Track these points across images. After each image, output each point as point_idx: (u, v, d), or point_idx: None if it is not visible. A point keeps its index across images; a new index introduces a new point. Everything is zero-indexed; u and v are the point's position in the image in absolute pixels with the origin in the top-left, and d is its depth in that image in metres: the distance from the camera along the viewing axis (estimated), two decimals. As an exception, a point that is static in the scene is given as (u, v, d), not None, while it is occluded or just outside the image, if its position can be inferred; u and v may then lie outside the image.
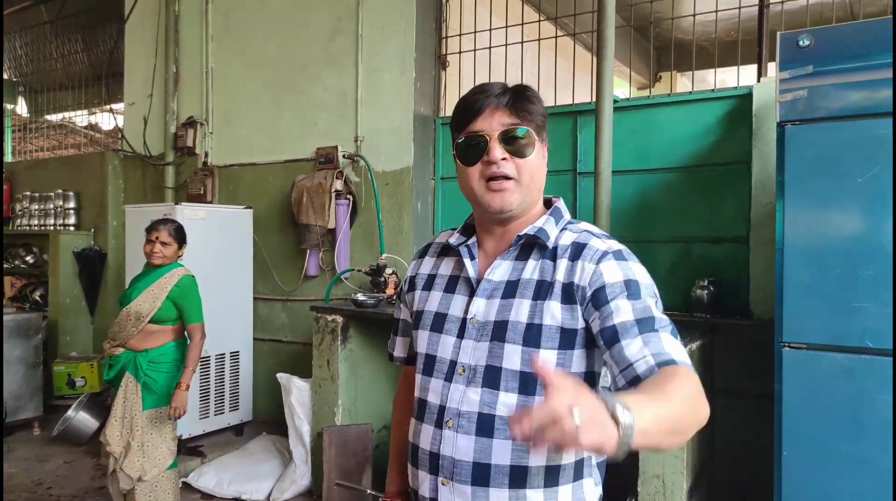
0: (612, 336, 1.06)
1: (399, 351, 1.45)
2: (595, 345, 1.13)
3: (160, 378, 3.01)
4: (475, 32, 4.08)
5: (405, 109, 4.06)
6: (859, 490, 2.19)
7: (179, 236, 3.12)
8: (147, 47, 5.29)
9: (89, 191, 5.62)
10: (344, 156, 4.22)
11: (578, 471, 1.16)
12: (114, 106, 6.15)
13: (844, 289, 2.23)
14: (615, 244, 1.18)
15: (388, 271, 3.85)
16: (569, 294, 1.14)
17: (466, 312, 1.20)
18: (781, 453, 2.32)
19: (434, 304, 1.27)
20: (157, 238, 3.04)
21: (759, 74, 3.29)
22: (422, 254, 1.40)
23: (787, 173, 2.34)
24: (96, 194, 5.55)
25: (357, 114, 4.22)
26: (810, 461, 2.28)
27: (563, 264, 1.16)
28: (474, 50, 4.07)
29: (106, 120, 6.94)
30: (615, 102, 3.37)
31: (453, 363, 1.18)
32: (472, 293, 1.21)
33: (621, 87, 6.88)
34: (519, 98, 1.18)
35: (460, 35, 4.16)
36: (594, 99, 3.34)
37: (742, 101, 3.27)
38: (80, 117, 7.04)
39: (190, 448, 4.01)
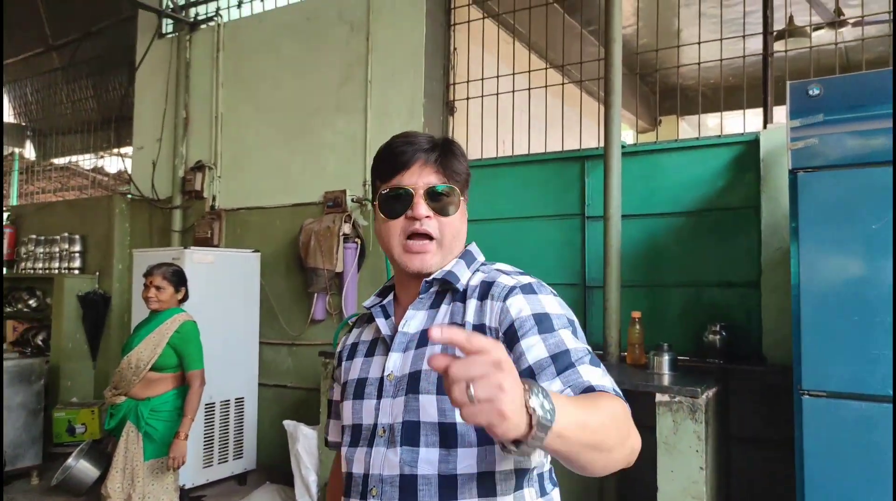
0: (529, 378, 0.96)
1: (334, 436, 1.31)
2: None
3: (161, 427, 2.96)
4: (483, 79, 4.15)
5: (413, 154, 4.09)
6: (886, 544, 2.13)
7: (176, 279, 3.09)
8: (157, 93, 5.37)
9: (95, 234, 5.62)
10: (352, 199, 4.24)
11: None
12: (122, 150, 6.21)
13: (863, 336, 2.21)
14: (525, 278, 1.12)
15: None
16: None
17: (384, 369, 1.13)
18: (805, 504, 2.26)
19: (356, 371, 1.19)
20: (151, 282, 3.01)
21: (766, 121, 3.33)
22: (349, 330, 1.34)
23: (801, 220, 2.35)
24: (102, 237, 5.56)
25: (366, 158, 4.26)
26: (835, 513, 2.22)
27: (472, 304, 1.11)
28: (482, 96, 4.13)
29: (111, 163, 7.00)
30: (623, 147, 3.40)
31: (375, 427, 1.10)
32: (388, 351, 1.15)
33: (625, 131, 6.98)
34: (447, 155, 1.15)
35: (468, 82, 4.23)
36: (602, 144, 3.38)
37: (749, 146, 3.31)
38: (87, 160, 7.10)
39: (192, 499, 3.91)
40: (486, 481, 1.02)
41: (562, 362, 0.98)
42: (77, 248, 5.65)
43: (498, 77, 4.09)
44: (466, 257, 1.21)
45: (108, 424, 3.04)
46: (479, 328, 1.07)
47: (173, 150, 5.19)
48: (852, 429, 2.22)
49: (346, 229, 4.16)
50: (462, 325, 1.09)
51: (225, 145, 4.97)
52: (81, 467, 4.29)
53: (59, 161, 7.35)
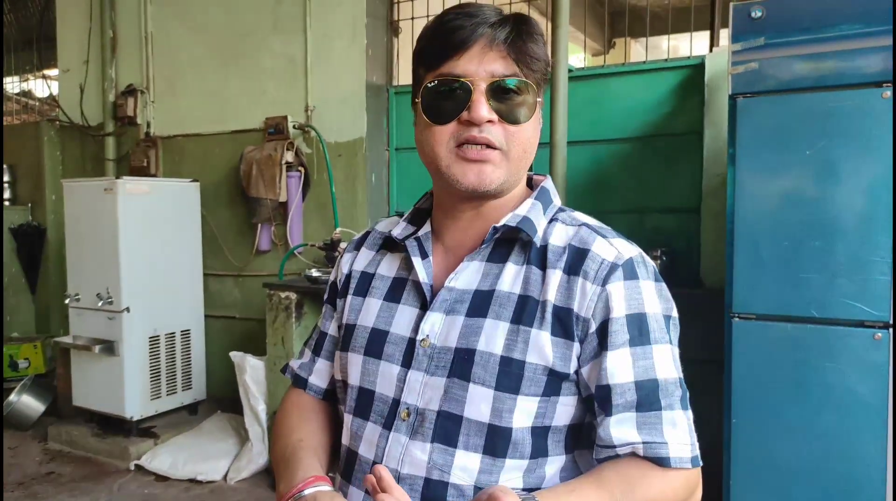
0: (603, 399, 0.84)
1: (318, 379, 1.03)
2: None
3: None
4: (428, -3, 3.96)
5: (357, 78, 3.94)
6: (802, 453, 2.26)
7: None
8: (81, 9, 4.98)
9: (24, 163, 5.33)
10: (294, 126, 4.08)
11: None
12: (48, 72, 5.80)
13: (792, 260, 2.27)
14: (625, 248, 0.89)
15: (343, 245, 3.78)
16: (565, 326, 0.84)
17: (416, 330, 0.88)
18: (731, 420, 2.38)
19: (370, 317, 0.93)
20: None
21: (712, 44, 3.29)
22: (357, 245, 1.05)
23: (739, 145, 2.36)
24: (32, 166, 5.27)
25: (307, 82, 4.08)
26: (758, 427, 2.34)
27: (556, 277, 0.86)
28: (427, 16, 3.95)
29: (40, 87, 6.56)
30: (570, 71, 3.33)
31: (396, 403, 0.87)
32: (424, 305, 0.90)
33: (576, 53, 6.85)
34: (521, 34, 0.84)
35: (413, 0, 4.04)
36: (549, 68, 3.29)
37: (695, 70, 3.27)
38: (12, 84, 6.63)
39: (142, 430, 3.91)
40: None
41: (647, 397, 0.84)
42: (5, 178, 5.36)
43: (444, -5, 3.91)
44: (542, 196, 0.93)
45: None
46: (566, 313, 0.84)
47: (102, 72, 4.87)
48: (778, 349, 2.31)
49: (289, 157, 4.02)
50: (541, 302, 0.85)
51: (157, 68, 4.69)
52: (25, 401, 4.24)
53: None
